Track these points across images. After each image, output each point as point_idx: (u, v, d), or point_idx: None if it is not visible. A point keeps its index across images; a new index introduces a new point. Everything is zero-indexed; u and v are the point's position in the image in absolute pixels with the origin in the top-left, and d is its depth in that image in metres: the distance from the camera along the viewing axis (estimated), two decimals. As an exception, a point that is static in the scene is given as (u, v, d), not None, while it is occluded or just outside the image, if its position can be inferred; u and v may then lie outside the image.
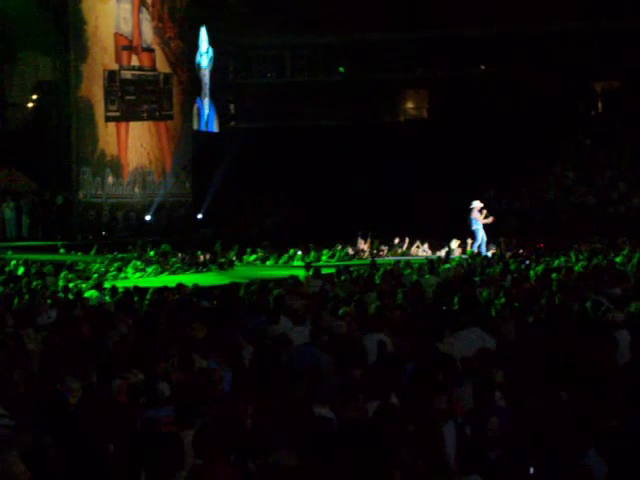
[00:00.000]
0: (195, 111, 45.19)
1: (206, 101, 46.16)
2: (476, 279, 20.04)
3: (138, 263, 27.93)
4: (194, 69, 44.69)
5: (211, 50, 46.12)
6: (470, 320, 12.79)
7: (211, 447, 7.70)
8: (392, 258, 30.30)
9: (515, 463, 7.54)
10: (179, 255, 30.75)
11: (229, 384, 10.30)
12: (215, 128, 47.28)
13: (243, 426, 8.68)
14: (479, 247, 30.91)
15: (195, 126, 45.04)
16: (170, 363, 11.11)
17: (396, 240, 34.33)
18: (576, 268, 22.10)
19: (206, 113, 46.28)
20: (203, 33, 45.53)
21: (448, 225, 34.23)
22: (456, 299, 15.46)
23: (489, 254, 28.83)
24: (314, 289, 18.98)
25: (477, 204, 31.44)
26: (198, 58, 45.25)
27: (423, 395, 9.17)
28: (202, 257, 30.32)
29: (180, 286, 18.77)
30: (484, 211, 31.85)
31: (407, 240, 34.10)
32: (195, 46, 44.75)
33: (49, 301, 17.67)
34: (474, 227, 31.24)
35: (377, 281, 20.17)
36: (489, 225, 31.67)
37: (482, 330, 12.34)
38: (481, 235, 31.24)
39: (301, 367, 11.00)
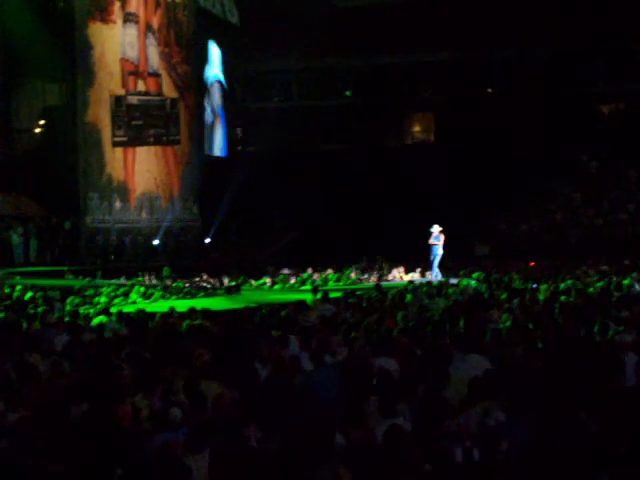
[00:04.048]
0: (206, 134, 45.48)
1: (217, 124, 46.50)
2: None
3: (143, 289, 27.91)
4: (201, 91, 44.86)
5: (220, 68, 46.47)
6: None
7: (223, 472, 7.68)
8: (399, 282, 30.23)
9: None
10: (185, 280, 30.76)
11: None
12: (225, 152, 47.53)
13: (253, 451, 8.64)
14: (436, 275, 31.00)
15: (206, 150, 45.20)
16: (175, 388, 11.07)
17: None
18: (590, 290, 22.10)
19: (218, 136, 46.61)
20: (213, 48, 45.80)
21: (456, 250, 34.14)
22: (461, 322, 15.49)
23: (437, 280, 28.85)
24: (324, 312, 18.93)
25: (437, 228, 31.57)
26: (207, 72, 45.53)
27: (434, 418, 9.16)
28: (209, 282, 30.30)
29: (191, 310, 18.73)
30: (441, 235, 31.84)
31: (419, 270, 33.65)
32: (202, 69, 44.99)
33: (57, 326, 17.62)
34: (435, 252, 31.29)
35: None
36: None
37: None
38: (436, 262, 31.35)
39: (314, 391, 11.00)
